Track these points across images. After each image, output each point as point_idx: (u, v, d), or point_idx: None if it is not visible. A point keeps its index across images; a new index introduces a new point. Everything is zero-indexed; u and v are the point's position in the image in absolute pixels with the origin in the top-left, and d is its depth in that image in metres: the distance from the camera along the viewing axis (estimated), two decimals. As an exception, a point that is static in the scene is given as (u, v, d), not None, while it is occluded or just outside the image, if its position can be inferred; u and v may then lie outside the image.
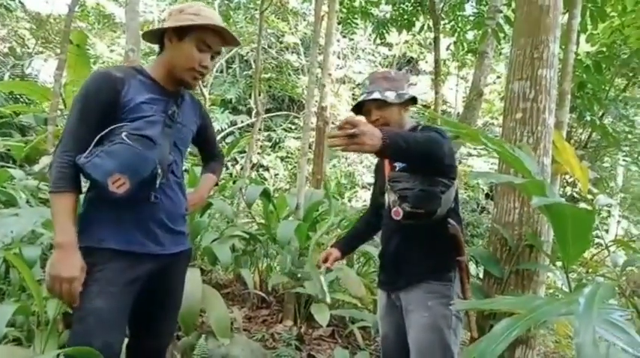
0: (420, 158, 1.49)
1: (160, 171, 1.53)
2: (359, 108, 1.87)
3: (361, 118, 1.68)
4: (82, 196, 1.55)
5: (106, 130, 1.46)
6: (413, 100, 1.86)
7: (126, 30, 3.71)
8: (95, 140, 1.44)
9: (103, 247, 1.48)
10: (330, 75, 5.39)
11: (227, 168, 10.04)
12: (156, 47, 1.63)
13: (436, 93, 6.74)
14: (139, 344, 1.72)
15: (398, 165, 1.80)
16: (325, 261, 2.03)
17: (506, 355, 2.27)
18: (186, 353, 2.70)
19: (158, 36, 1.58)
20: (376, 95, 1.78)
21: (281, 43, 11.06)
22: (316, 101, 5.29)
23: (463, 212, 8.95)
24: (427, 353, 1.69)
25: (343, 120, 1.33)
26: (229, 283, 3.93)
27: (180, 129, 1.63)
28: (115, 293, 1.48)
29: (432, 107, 7.39)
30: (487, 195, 9.20)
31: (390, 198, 1.78)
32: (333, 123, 11.28)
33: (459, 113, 8.07)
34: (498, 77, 9.31)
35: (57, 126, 5.08)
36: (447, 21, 6.80)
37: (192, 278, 2.85)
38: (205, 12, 1.54)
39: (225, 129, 10.25)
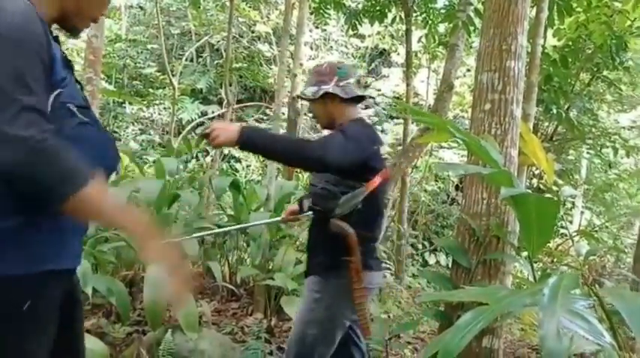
0: (285, 160, 1.78)
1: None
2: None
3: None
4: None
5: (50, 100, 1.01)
6: (335, 96, 1.86)
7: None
8: None
9: (41, 270, 1.06)
10: (301, 65, 5.34)
11: (197, 159, 9.86)
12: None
13: (407, 85, 6.76)
14: None
15: None
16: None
17: (474, 344, 2.30)
18: (152, 349, 2.64)
19: None
20: (300, 91, 1.97)
21: (252, 32, 10.89)
22: (288, 92, 5.24)
23: (434, 203, 9.07)
24: (292, 341, 1.86)
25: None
26: (198, 276, 3.86)
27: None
28: (51, 333, 1.12)
29: (404, 99, 7.43)
30: (457, 187, 9.36)
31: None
32: (305, 114, 11.20)
33: (430, 105, 8.15)
34: (468, 70, 9.44)
35: None
36: (418, 13, 6.80)
37: (159, 271, 2.78)
38: None
39: (195, 119, 10.06)
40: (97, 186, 0.97)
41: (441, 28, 7.07)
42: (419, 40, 7.27)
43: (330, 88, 1.85)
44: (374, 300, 3.52)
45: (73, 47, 9.10)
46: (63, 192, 0.93)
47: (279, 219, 2.27)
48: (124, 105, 11.11)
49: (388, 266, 8.30)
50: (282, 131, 4.78)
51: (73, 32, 1.21)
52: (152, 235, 1.03)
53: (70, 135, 1.01)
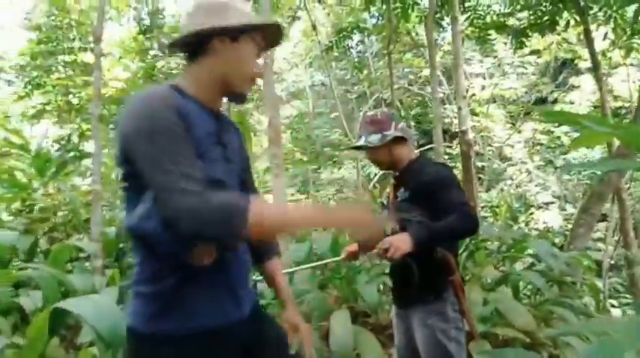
0: (447, 240, 1.87)
1: None
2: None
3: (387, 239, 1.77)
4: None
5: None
6: (401, 138, 2.00)
7: (266, 101, 4.22)
8: None
9: (195, 327, 1.13)
10: (464, 97, 5.21)
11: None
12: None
13: (600, 89, 5.91)
14: None
15: (400, 195, 1.99)
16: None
17: None
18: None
19: (193, 42, 1.17)
20: (361, 141, 1.99)
21: (420, 77, 11.07)
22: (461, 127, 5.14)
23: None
24: None
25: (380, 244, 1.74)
26: (389, 324, 3.87)
27: (237, 161, 1.28)
28: None
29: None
30: None
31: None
32: (490, 144, 10.61)
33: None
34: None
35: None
36: (596, 9, 5.99)
37: (342, 321, 2.90)
38: (248, 7, 1.23)
39: (379, 172, 10.47)
40: (258, 205, 1.01)
41: (630, 10, 6.06)
42: (604, 37, 6.37)
43: (394, 132, 1.99)
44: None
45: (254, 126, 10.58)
46: (235, 226, 0.98)
47: (339, 258, 2.30)
48: (319, 170, 12.32)
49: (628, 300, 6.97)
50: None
51: (241, 99, 1.25)
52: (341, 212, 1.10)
53: None
